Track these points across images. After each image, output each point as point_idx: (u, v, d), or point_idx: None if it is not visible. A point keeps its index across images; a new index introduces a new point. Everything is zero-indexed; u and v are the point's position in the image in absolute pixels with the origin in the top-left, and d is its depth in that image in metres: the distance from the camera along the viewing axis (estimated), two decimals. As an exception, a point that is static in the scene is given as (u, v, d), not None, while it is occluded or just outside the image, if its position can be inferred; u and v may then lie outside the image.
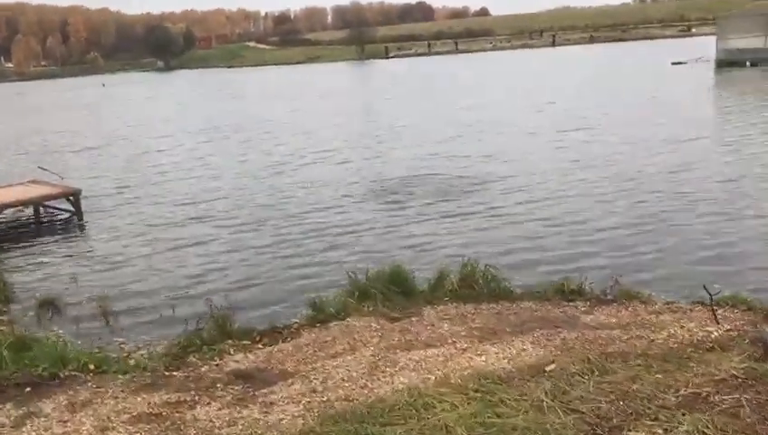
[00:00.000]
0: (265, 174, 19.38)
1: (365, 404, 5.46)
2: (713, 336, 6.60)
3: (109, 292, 10.32)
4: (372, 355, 6.78)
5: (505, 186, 15.71)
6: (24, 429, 5.78)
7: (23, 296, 10.74)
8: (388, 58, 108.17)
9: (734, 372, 5.51)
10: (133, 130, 35.27)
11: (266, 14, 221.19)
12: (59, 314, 9.97)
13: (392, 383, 5.94)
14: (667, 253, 10.42)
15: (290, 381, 6.41)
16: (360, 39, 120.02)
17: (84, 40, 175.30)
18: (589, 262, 10.16)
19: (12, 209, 15.95)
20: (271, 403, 5.85)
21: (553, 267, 10.07)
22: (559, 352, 6.38)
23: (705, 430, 4.61)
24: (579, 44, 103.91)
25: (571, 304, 8.29)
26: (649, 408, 5.05)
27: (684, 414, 4.87)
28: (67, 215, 16.22)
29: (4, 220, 15.81)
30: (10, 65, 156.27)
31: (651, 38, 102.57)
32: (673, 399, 5.20)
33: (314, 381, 6.25)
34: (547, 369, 5.94)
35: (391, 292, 8.82)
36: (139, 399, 6.33)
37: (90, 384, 6.81)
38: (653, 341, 6.58)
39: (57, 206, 16.52)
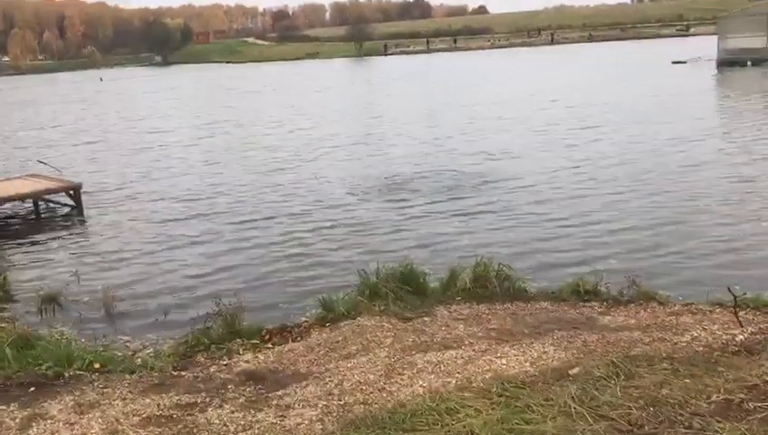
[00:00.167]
0: (268, 170, 19.15)
1: (385, 409, 5.27)
2: (738, 339, 6.42)
3: (111, 289, 10.07)
4: (387, 357, 6.59)
5: (515, 184, 15.49)
6: (30, 431, 5.58)
7: (23, 292, 10.53)
8: (386, 55, 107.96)
9: (767, 378, 5.33)
10: (132, 124, 35.03)
11: (264, 9, 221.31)
12: (61, 310, 9.77)
13: (411, 387, 5.75)
14: (683, 254, 10.24)
15: (304, 383, 6.22)
16: (359, 36, 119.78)
17: (81, 34, 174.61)
18: (602, 262, 9.98)
19: (11, 204, 15.71)
20: (286, 406, 5.65)
21: (566, 267, 9.90)
22: (581, 355, 6.20)
23: (745, 440, 4.43)
24: (577, 43, 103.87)
25: (587, 304, 8.13)
26: (681, 415, 4.85)
27: (719, 422, 4.68)
28: (67, 210, 16.00)
29: (2, 215, 15.56)
30: (6, 59, 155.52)
31: (649, 37, 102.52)
32: (705, 405, 5.01)
33: (329, 383, 6.06)
34: (571, 372, 5.75)
35: (403, 291, 8.64)
36: (147, 400, 6.13)
37: (96, 384, 6.61)
38: (676, 344, 6.41)
39: (57, 200, 16.29)
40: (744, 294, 7.31)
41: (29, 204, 16.13)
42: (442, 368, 6.11)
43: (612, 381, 5.50)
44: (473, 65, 70.22)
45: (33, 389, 6.61)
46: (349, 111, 34.98)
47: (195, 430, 5.41)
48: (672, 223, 11.86)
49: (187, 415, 5.74)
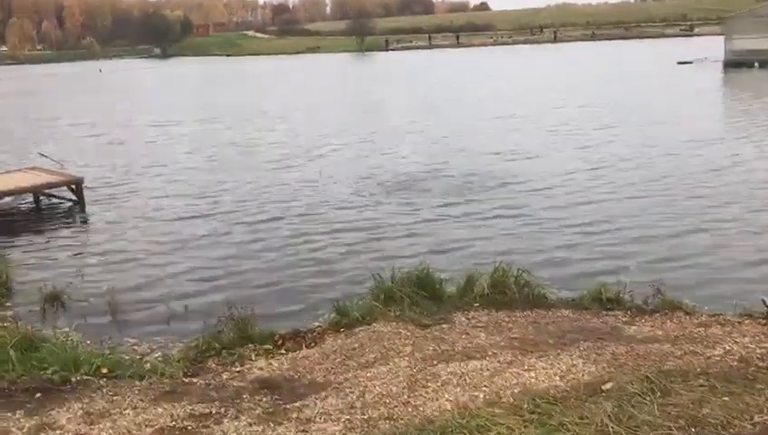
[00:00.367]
0: (273, 167, 18.83)
1: (412, 425, 5.03)
2: (773, 354, 6.19)
3: (116, 289, 9.80)
4: (409, 367, 6.35)
5: (530, 186, 15.21)
6: (38, 443, 5.32)
7: (25, 290, 10.25)
8: (388, 50, 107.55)
9: (811, 397, 5.10)
10: (133, 117, 34.67)
11: (265, 2, 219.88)
12: (65, 310, 9.50)
13: (437, 400, 5.50)
14: (707, 262, 9.98)
15: (323, 393, 5.97)
16: (360, 30, 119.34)
17: (80, 25, 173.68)
18: (623, 269, 9.68)
19: (10, 197, 15.41)
20: (307, 420, 5.40)
21: (585, 273, 9.69)
22: (612, 369, 5.96)
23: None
24: (580, 41, 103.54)
25: (610, 313, 7.89)
26: (725, 437, 4.63)
27: (766, 446, 4.45)
28: (68, 205, 15.70)
29: (1, 209, 15.26)
30: (4, 49, 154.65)
31: (653, 37, 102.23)
32: (749, 427, 4.79)
33: (350, 395, 5.81)
34: (604, 388, 5.52)
35: (418, 296, 8.40)
36: (159, 409, 5.88)
37: (105, 391, 6.36)
38: (709, 358, 6.17)
39: (58, 195, 15.99)
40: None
41: (29, 198, 15.85)
42: (467, 380, 5.86)
43: (648, 398, 5.27)
44: (477, 62, 69.93)
45: (39, 395, 6.35)
46: (353, 108, 34.69)
47: (212, 445, 5.17)
48: (694, 230, 11.55)
49: (203, 427, 5.49)
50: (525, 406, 5.18)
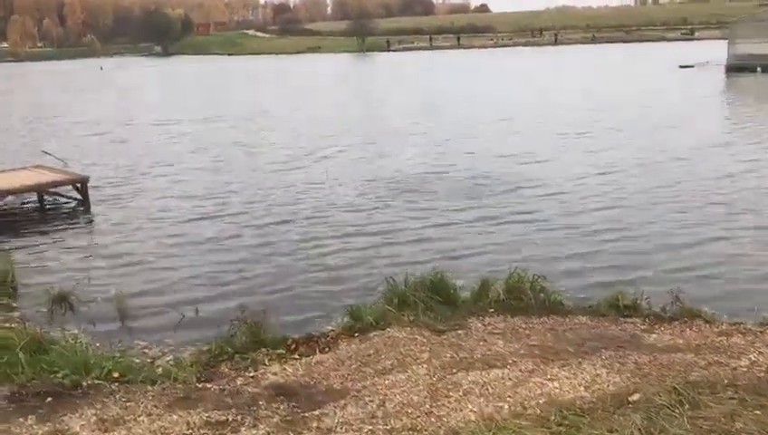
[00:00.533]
0: (278, 169, 18.62)
1: (438, 437, 4.91)
2: (800, 365, 6.08)
3: (125, 290, 9.64)
4: (428, 375, 6.23)
5: (538, 190, 15.04)
6: (53, 451, 5.19)
7: (31, 291, 10.08)
8: (389, 51, 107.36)
9: None
10: (137, 115, 34.47)
11: (266, 2, 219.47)
12: (73, 312, 9.35)
13: (461, 411, 5.38)
14: (722, 269, 9.84)
15: (341, 401, 5.85)
16: (361, 31, 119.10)
17: (81, 22, 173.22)
18: (637, 275, 9.58)
19: (13, 196, 15.25)
20: (328, 430, 5.28)
21: (599, 280, 9.57)
22: (637, 379, 5.85)
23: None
24: (581, 44, 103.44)
25: (628, 320, 7.79)
26: (761, 453, 4.52)
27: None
28: (73, 204, 15.52)
29: (6, 208, 15.10)
30: (5, 46, 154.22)
31: (654, 40, 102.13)
32: (784, 442, 4.67)
33: (370, 403, 5.69)
34: (631, 399, 5.41)
35: (432, 301, 8.28)
36: (174, 416, 5.75)
37: (118, 396, 6.23)
38: (735, 369, 6.06)
39: (62, 194, 15.83)
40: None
41: (33, 197, 15.68)
42: (490, 390, 5.75)
43: (677, 411, 5.16)
44: (480, 64, 69.73)
45: (50, 399, 6.23)
46: (356, 109, 34.47)
47: (230, 454, 5.05)
48: (709, 237, 11.39)
49: (220, 435, 5.37)
50: (552, 418, 5.07)
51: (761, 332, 7.23)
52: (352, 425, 5.31)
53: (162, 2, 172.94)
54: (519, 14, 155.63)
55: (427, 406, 5.50)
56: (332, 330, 8.02)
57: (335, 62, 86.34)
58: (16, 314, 9.16)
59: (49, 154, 20.13)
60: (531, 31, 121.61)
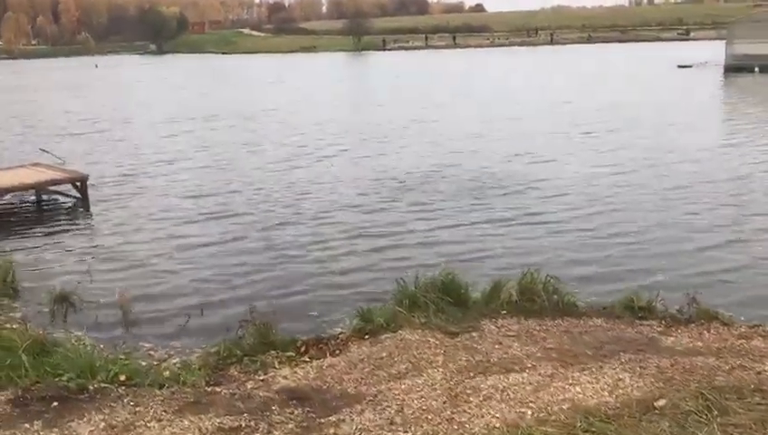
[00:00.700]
0: (279, 168, 18.41)
1: (462, 445, 4.76)
2: (825, 370, 5.95)
3: (128, 291, 9.42)
4: (445, 379, 6.07)
5: (545, 190, 14.87)
6: (62, 459, 5.02)
7: (32, 292, 9.88)
8: (384, 50, 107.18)
9: None
10: (134, 113, 34.22)
11: (261, 1, 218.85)
12: (75, 313, 9.16)
13: (482, 417, 5.23)
14: (735, 270, 9.70)
15: (357, 406, 5.69)
16: (357, 30, 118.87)
17: (75, 20, 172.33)
18: (649, 277, 9.43)
19: (11, 194, 15.03)
20: (346, 436, 5.12)
21: (611, 281, 9.42)
22: (660, 384, 5.71)
23: None
24: (577, 44, 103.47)
25: (644, 322, 7.64)
26: (796, 461, 4.38)
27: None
28: (71, 203, 15.30)
29: (4, 206, 14.87)
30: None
31: (650, 40, 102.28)
32: (819, 450, 4.54)
33: (388, 409, 5.53)
34: (657, 405, 5.27)
35: (443, 302, 8.12)
36: (186, 422, 5.59)
37: (126, 401, 6.06)
38: (760, 373, 5.93)
39: (61, 192, 15.60)
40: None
41: (31, 195, 15.45)
42: (511, 395, 5.60)
43: (705, 417, 5.03)
44: (478, 63, 69.65)
45: (56, 404, 6.06)
46: (356, 107, 34.27)
47: (246, 463, 4.88)
48: (721, 238, 11.22)
49: (234, 442, 5.20)
50: (579, 424, 4.93)
51: (781, 335, 7.10)
52: (371, 432, 5.15)
53: (157, 0, 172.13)
54: (515, 13, 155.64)
55: (448, 412, 5.34)
56: (342, 332, 7.86)
57: (331, 61, 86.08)
58: (17, 314, 8.96)
59: (47, 152, 19.89)
60: (527, 30, 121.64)
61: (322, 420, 5.48)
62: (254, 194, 15.35)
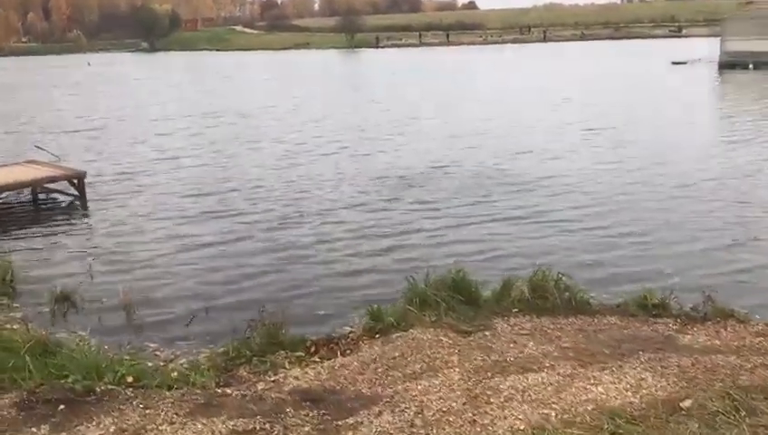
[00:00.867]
0: (279, 165, 18.21)
1: (487, 448, 4.62)
2: None
3: (130, 290, 9.24)
4: (462, 379, 5.94)
5: (550, 187, 14.73)
6: (73, 465, 4.85)
7: (32, 291, 9.70)
8: (378, 48, 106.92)
9: None
10: (129, 111, 33.89)
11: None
12: (77, 312, 8.98)
13: (506, 419, 5.09)
14: (746, 267, 9.60)
15: (374, 409, 5.54)
16: (350, 27, 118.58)
17: (66, 17, 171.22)
18: (658, 273, 9.33)
19: (6, 193, 14.80)
20: (366, 439, 4.98)
21: (621, 278, 9.33)
22: (684, 383, 5.59)
23: None
24: (570, 41, 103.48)
25: (658, 320, 7.53)
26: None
27: None
28: (68, 201, 15.08)
29: (0, 204, 14.65)
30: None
31: (642, 37, 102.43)
32: None
33: (407, 411, 5.39)
34: (683, 405, 5.14)
35: (454, 300, 7.99)
36: (198, 425, 5.44)
37: (135, 403, 5.90)
38: (783, 372, 5.81)
39: (58, 190, 15.38)
40: None
41: (27, 193, 15.21)
42: (532, 396, 5.46)
43: (732, 418, 4.91)
44: (474, 61, 69.52)
45: (62, 407, 5.89)
46: (353, 104, 33.94)
47: (264, 467, 4.73)
48: (732, 235, 11.07)
49: (250, 446, 5.05)
50: (606, 426, 4.80)
51: (798, 333, 7.00)
52: (391, 434, 5.01)
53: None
54: (507, 11, 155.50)
55: (469, 414, 5.20)
56: (352, 331, 7.72)
57: (324, 58, 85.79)
58: (17, 314, 8.76)
59: (42, 149, 19.60)
60: (519, 28, 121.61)
61: (339, 423, 5.34)
62: (255, 192, 15.14)
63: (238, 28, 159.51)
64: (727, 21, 47.28)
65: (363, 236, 11.65)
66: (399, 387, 5.95)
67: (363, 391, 6.02)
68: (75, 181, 14.97)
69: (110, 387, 6.29)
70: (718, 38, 49.66)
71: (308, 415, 5.56)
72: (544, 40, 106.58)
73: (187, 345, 7.77)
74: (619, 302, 8.09)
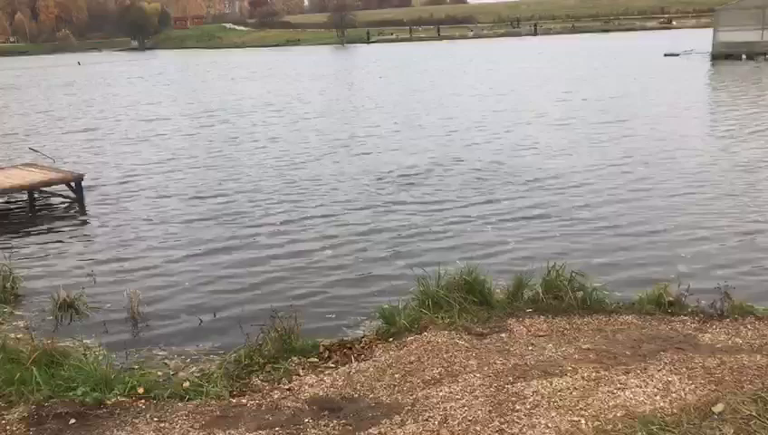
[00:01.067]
0: (279, 165, 17.94)
1: (518, 459, 4.48)
2: None
3: (135, 296, 9.01)
4: (484, 385, 5.79)
5: (553, 182, 14.56)
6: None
7: (34, 298, 9.47)
8: (369, 43, 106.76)
9: None
10: (123, 111, 33.56)
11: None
12: (80, 320, 8.77)
13: (534, 427, 4.95)
14: (757, 261, 9.47)
15: (397, 418, 5.40)
16: (341, 23, 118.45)
17: (55, 17, 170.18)
18: (670, 270, 9.15)
19: (3, 196, 14.57)
20: (391, 451, 4.83)
21: (632, 275, 9.20)
22: (713, 387, 5.46)
23: None
24: (561, 34, 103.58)
25: (675, 318, 7.39)
26: None
27: None
28: (66, 204, 14.84)
29: (-3, 209, 14.43)
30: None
31: (633, 30, 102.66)
32: None
33: (431, 420, 5.24)
34: (715, 410, 5.01)
35: (467, 301, 7.85)
36: (216, 439, 5.27)
37: (148, 416, 5.75)
38: (813, 372, 5.69)
39: (56, 193, 15.14)
40: None
41: (22, 197, 14.96)
42: (558, 402, 5.32)
43: (768, 422, 4.78)
44: (466, 54, 69.35)
45: (73, 420, 5.76)
46: (350, 101, 33.72)
47: (288, 483, 4.58)
48: (738, 230, 10.91)
49: (272, 460, 4.90)
50: (639, 434, 4.66)
51: (820, 329, 6.88)
52: (419, 445, 4.86)
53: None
54: (498, 4, 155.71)
55: (496, 422, 5.06)
56: (365, 335, 7.57)
57: (317, 55, 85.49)
58: (20, 323, 8.58)
59: (37, 151, 19.38)
60: (510, 21, 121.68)
61: (362, 433, 5.19)
62: (256, 193, 14.89)
63: (228, 26, 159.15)
64: (720, 12, 47.30)
65: (368, 237, 11.46)
66: (419, 394, 5.81)
67: (382, 398, 5.87)
68: (73, 184, 14.72)
69: (120, 399, 6.14)
70: (709, 29, 49.83)
71: (328, 425, 5.41)
72: (535, 33, 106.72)
73: (197, 352, 7.59)
74: (633, 300, 7.95)
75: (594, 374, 5.82)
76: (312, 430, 5.33)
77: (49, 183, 14.66)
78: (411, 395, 5.82)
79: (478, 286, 8.03)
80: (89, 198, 14.97)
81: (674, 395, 5.30)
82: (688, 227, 11.13)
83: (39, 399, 6.10)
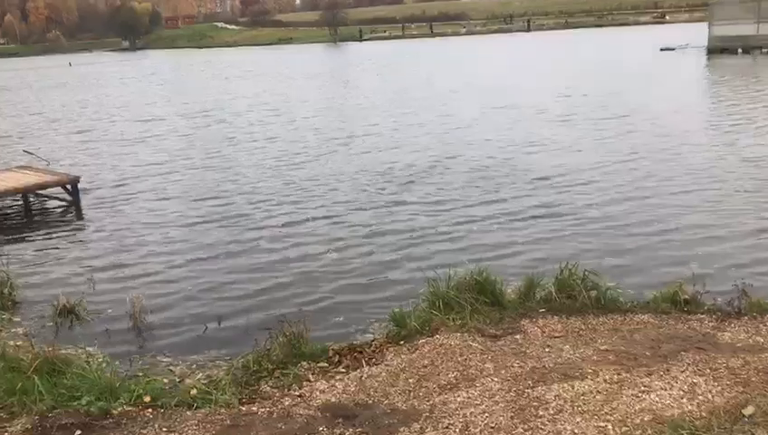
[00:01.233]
0: (277, 165, 17.72)
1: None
2: None
3: (136, 302, 8.79)
4: (503, 390, 5.63)
5: (558, 179, 14.36)
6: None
7: (32, 305, 9.26)
8: (362, 41, 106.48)
9: None
10: (117, 112, 33.24)
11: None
12: (81, 326, 8.56)
13: (560, 434, 4.78)
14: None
15: (415, 425, 5.23)
16: (333, 21, 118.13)
17: (45, 18, 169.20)
18: (683, 268, 8.94)
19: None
20: (413, 461, 4.66)
21: (643, 274, 9.05)
22: (740, 388, 5.31)
23: None
24: (554, 30, 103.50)
25: (693, 317, 7.24)
26: None
27: None
28: (62, 207, 14.60)
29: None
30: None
31: (626, 24, 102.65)
32: None
33: (451, 428, 5.07)
34: (745, 413, 4.86)
35: (479, 302, 7.68)
36: (228, 449, 5.09)
37: (157, 426, 5.56)
38: (838, 371, 5.55)
39: (52, 196, 14.90)
40: None
41: (17, 200, 14.71)
42: (582, 407, 5.16)
43: (800, 425, 4.62)
44: (460, 51, 69.19)
45: (78, 432, 5.55)
46: (348, 100, 33.47)
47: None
48: (750, 226, 10.75)
49: (287, 472, 4.72)
50: (672, 440, 4.50)
51: (841, 327, 6.74)
52: (440, 455, 4.69)
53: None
54: (491, 1, 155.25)
55: (520, 429, 4.89)
56: (375, 339, 7.39)
57: (310, 53, 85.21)
58: (19, 330, 8.37)
59: (31, 154, 19.13)
60: (504, 18, 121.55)
61: (381, 442, 5.02)
62: (256, 194, 14.65)
63: (220, 25, 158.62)
64: (715, 6, 47.26)
65: (372, 239, 11.25)
66: (436, 399, 5.64)
67: (398, 404, 5.70)
68: (69, 187, 14.48)
69: (126, 408, 5.95)
70: (703, 24, 49.76)
71: (343, 434, 5.23)
72: (528, 29, 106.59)
73: (202, 359, 7.40)
74: (648, 299, 7.80)
75: (616, 377, 5.66)
76: (329, 440, 5.15)
77: (44, 186, 14.43)
78: (428, 401, 5.64)
79: (489, 287, 7.86)
80: (85, 200, 14.73)
81: (701, 398, 5.15)
82: (700, 225, 10.92)
83: (42, 409, 5.90)
